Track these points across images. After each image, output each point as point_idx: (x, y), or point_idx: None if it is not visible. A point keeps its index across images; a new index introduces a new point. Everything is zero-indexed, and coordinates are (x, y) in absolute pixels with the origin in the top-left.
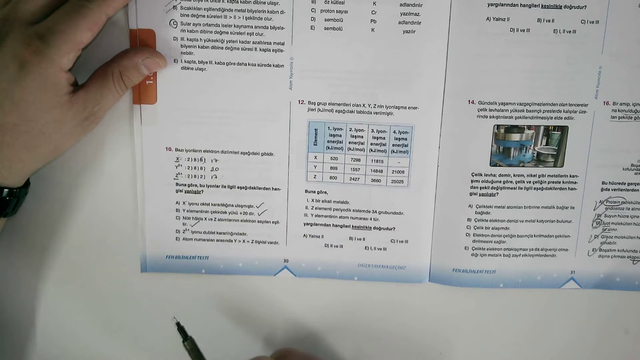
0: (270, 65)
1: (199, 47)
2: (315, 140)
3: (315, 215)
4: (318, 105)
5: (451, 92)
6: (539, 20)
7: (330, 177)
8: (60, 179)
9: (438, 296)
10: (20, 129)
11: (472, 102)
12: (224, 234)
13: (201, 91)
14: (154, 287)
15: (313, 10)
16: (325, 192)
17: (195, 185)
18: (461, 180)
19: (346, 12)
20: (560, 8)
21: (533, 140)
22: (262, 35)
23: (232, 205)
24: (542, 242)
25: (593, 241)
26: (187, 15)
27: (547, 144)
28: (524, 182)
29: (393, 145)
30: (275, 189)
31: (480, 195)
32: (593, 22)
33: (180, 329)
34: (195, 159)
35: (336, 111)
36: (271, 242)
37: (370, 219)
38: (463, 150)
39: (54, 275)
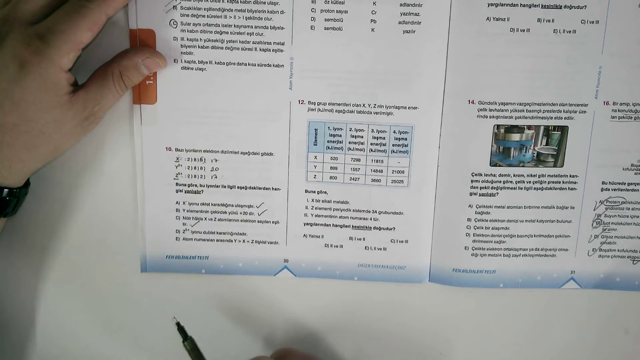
0: (270, 65)
1: (199, 47)
2: (315, 140)
3: (315, 215)
4: (318, 105)
5: (451, 92)
6: (539, 20)
7: (330, 177)
8: (60, 179)
9: (438, 296)
10: (20, 129)
11: (472, 102)
12: (224, 234)
13: (201, 91)
14: (154, 287)
15: (313, 10)
16: (325, 192)
17: (195, 185)
18: (461, 180)
19: (346, 12)
20: (560, 8)
21: (533, 140)
22: (262, 35)
23: (232, 205)
24: (542, 242)
25: (593, 241)
26: (187, 15)
27: (547, 144)
28: (524, 182)
29: (393, 145)
30: (275, 189)
31: (480, 195)
32: (593, 22)
33: (180, 329)
34: (195, 159)
35: (336, 111)
36: (271, 242)
37: (370, 219)
38: (463, 150)
39: (54, 275)
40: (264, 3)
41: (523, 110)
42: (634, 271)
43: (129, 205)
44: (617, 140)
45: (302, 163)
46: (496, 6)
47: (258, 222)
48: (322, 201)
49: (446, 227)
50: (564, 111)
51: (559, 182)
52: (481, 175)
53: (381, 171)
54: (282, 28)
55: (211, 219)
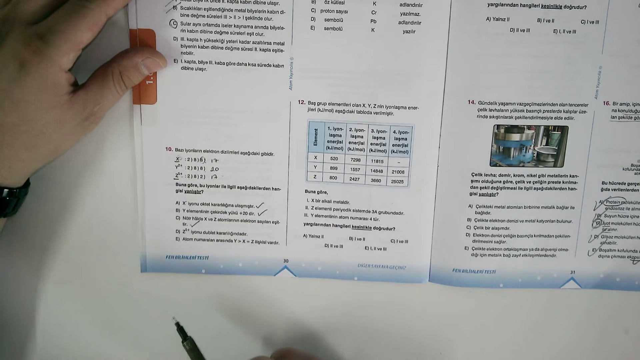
0: (270, 65)
1: (199, 47)
2: (315, 140)
3: (315, 215)
4: (318, 105)
5: (451, 92)
6: (539, 20)
7: (330, 177)
8: (60, 179)
9: (438, 296)
10: (20, 129)
11: (472, 102)
12: (224, 234)
13: (201, 91)
14: (154, 287)
15: (313, 10)
16: (325, 192)
17: (195, 185)
18: (461, 180)
19: (346, 12)
20: (560, 8)
21: (533, 140)
22: (262, 35)
23: (232, 205)
24: (542, 242)
25: (593, 241)
26: (187, 15)
27: (547, 144)
28: (524, 182)
29: (393, 145)
30: (275, 189)
31: (480, 195)
32: (593, 22)
33: (180, 329)
34: (195, 159)
35: (336, 111)
36: (271, 242)
37: (370, 219)
38: (463, 150)
39: (54, 275)
40: (264, 3)
41: (523, 110)
42: (634, 271)
43: (129, 205)
44: (617, 140)
45: (302, 163)
46: (496, 6)
47: (258, 222)
48: (322, 201)
49: (446, 227)
50: (564, 111)
51: (559, 182)
52: (481, 175)
53: (381, 171)
54: (282, 28)
55: (211, 219)
